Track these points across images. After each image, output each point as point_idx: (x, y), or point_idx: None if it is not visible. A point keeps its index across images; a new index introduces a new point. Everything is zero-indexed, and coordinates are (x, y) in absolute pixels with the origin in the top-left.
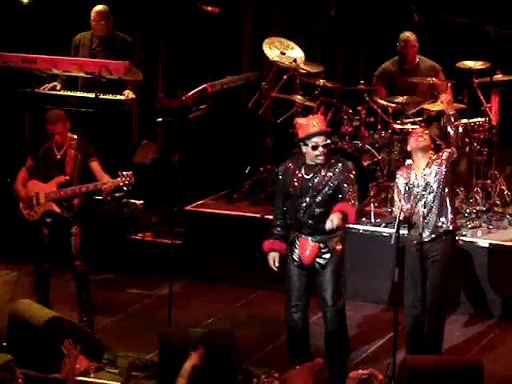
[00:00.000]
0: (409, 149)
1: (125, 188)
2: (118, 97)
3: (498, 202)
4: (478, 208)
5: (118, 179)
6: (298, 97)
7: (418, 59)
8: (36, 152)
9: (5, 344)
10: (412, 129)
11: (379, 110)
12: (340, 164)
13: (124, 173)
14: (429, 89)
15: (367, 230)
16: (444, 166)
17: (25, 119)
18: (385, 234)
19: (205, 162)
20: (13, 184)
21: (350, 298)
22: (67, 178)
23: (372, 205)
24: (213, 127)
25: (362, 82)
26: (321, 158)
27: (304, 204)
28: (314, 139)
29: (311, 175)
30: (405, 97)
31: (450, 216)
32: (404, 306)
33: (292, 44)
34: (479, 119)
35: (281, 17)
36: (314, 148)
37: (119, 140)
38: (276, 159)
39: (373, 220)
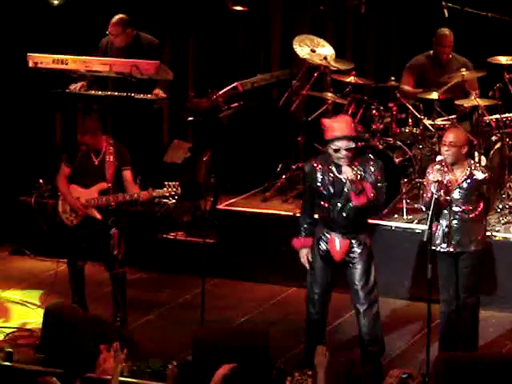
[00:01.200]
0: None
1: (171, 199)
2: (149, 96)
3: None
4: (510, 203)
5: (164, 189)
6: (329, 94)
7: (451, 56)
8: (72, 159)
9: (38, 343)
10: (443, 125)
11: (410, 107)
12: (372, 164)
13: (170, 183)
14: (460, 85)
15: (399, 227)
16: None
17: (56, 120)
18: (417, 231)
19: (236, 160)
20: (57, 186)
21: (382, 295)
22: (109, 185)
23: (404, 201)
24: (244, 126)
25: (392, 78)
26: (343, 160)
27: (339, 205)
28: (337, 143)
29: (343, 175)
30: (437, 92)
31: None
32: (440, 303)
33: (322, 41)
34: (511, 114)
35: (311, 14)
36: (336, 151)
37: (151, 139)
38: (307, 157)
39: (405, 216)
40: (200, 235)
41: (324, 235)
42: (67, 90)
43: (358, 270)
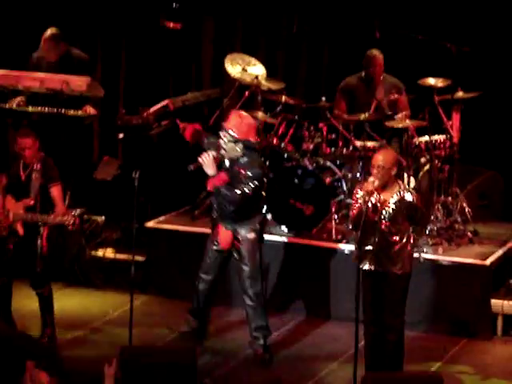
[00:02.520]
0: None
1: (69, 228)
2: (80, 113)
3: (459, 219)
4: (439, 225)
5: (65, 217)
6: (260, 113)
7: (382, 77)
8: (9, 170)
9: None
10: (373, 146)
11: (341, 127)
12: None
13: (75, 211)
14: (390, 106)
15: (328, 247)
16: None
17: None
18: (346, 252)
19: (166, 178)
20: None
21: (310, 316)
22: (31, 202)
23: (333, 221)
24: (174, 143)
25: (323, 98)
26: (221, 150)
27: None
28: (221, 131)
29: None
30: (366, 114)
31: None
32: (363, 323)
33: (254, 60)
34: (440, 136)
35: (242, 33)
36: (219, 138)
37: (81, 156)
38: None
39: (334, 237)
40: (129, 252)
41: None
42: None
43: (243, 257)
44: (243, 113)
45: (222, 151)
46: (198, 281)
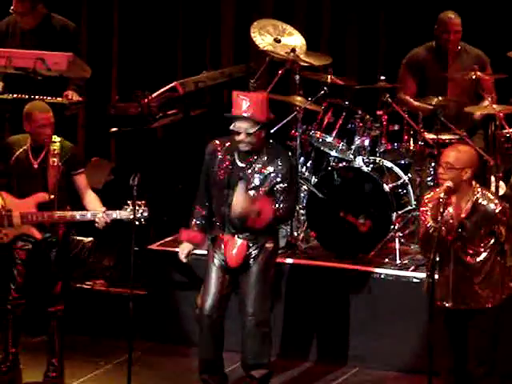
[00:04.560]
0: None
1: (137, 223)
2: (59, 99)
3: None
4: None
5: (128, 210)
6: (298, 98)
7: (460, 47)
8: (6, 159)
9: None
10: (450, 140)
11: (406, 116)
12: (282, 159)
13: (135, 202)
14: (472, 86)
15: (390, 275)
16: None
17: None
18: (414, 280)
19: (175, 184)
20: None
21: (366, 365)
22: (51, 196)
23: (397, 241)
24: (185, 139)
25: (382, 78)
26: (243, 145)
27: (231, 198)
28: (237, 123)
29: (245, 164)
30: (440, 97)
31: None
32: (439, 374)
33: (289, 28)
34: None
35: None
36: (235, 133)
37: None
38: None
39: (398, 261)
40: (126, 284)
41: (217, 238)
42: None
43: (251, 278)
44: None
45: (245, 147)
46: (204, 324)
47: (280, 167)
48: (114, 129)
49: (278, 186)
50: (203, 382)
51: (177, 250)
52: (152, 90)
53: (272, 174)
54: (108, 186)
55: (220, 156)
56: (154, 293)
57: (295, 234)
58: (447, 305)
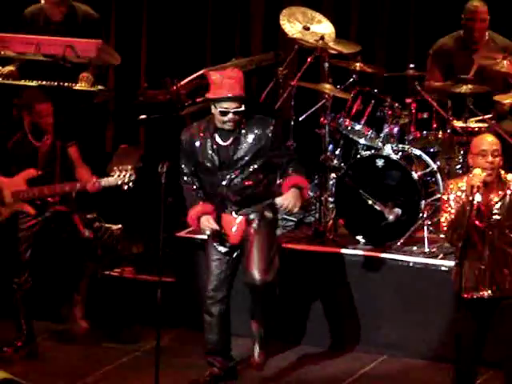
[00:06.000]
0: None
1: (125, 187)
2: (88, 86)
3: None
4: None
5: (115, 176)
6: (327, 86)
7: (487, 36)
8: (3, 144)
9: None
10: (478, 128)
11: (435, 104)
12: (261, 124)
13: (122, 167)
14: (500, 75)
15: (419, 263)
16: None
17: None
18: (443, 268)
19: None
20: None
21: (395, 353)
22: (38, 172)
23: (425, 229)
24: None
25: (411, 66)
26: (230, 124)
27: (228, 177)
28: (225, 104)
29: (229, 142)
30: (469, 85)
31: None
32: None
33: (319, 16)
34: None
35: None
36: (223, 114)
37: (90, 144)
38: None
39: (427, 249)
40: (154, 272)
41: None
42: None
43: (254, 246)
44: (219, 69)
45: (231, 126)
46: (208, 305)
47: (259, 134)
48: (142, 116)
49: (271, 154)
50: (208, 363)
51: (204, 237)
52: (181, 77)
53: (254, 142)
54: (137, 173)
55: (200, 141)
56: (182, 280)
57: (323, 221)
58: (484, 294)
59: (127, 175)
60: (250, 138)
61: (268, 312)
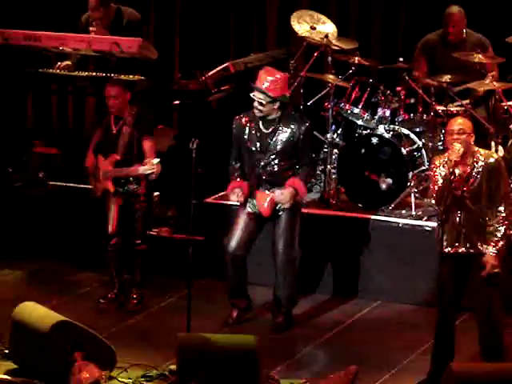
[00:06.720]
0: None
1: (153, 176)
2: (130, 77)
3: None
4: None
5: (147, 166)
6: (331, 76)
7: (464, 35)
8: (100, 127)
9: (7, 351)
10: (457, 111)
11: (420, 91)
12: (298, 121)
13: (149, 159)
14: (475, 66)
15: (407, 224)
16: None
17: (28, 101)
18: (427, 228)
19: (227, 147)
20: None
21: (387, 300)
22: (117, 157)
23: (412, 195)
24: (236, 110)
25: (400, 59)
26: (256, 110)
27: (265, 161)
28: (254, 92)
29: (270, 130)
30: (449, 76)
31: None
32: (440, 309)
33: (323, 18)
34: None
35: None
36: (252, 100)
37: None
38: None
39: (413, 212)
40: (186, 232)
41: (251, 192)
42: (40, 70)
43: (282, 224)
44: (271, 68)
45: (258, 113)
46: (231, 256)
47: (294, 130)
48: (176, 102)
49: (300, 150)
50: (232, 305)
51: (229, 202)
52: (208, 68)
53: (289, 136)
54: (171, 149)
55: (247, 128)
56: (209, 238)
57: (327, 189)
58: (460, 250)
59: (153, 168)
60: (286, 130)
61: (290, 282)
